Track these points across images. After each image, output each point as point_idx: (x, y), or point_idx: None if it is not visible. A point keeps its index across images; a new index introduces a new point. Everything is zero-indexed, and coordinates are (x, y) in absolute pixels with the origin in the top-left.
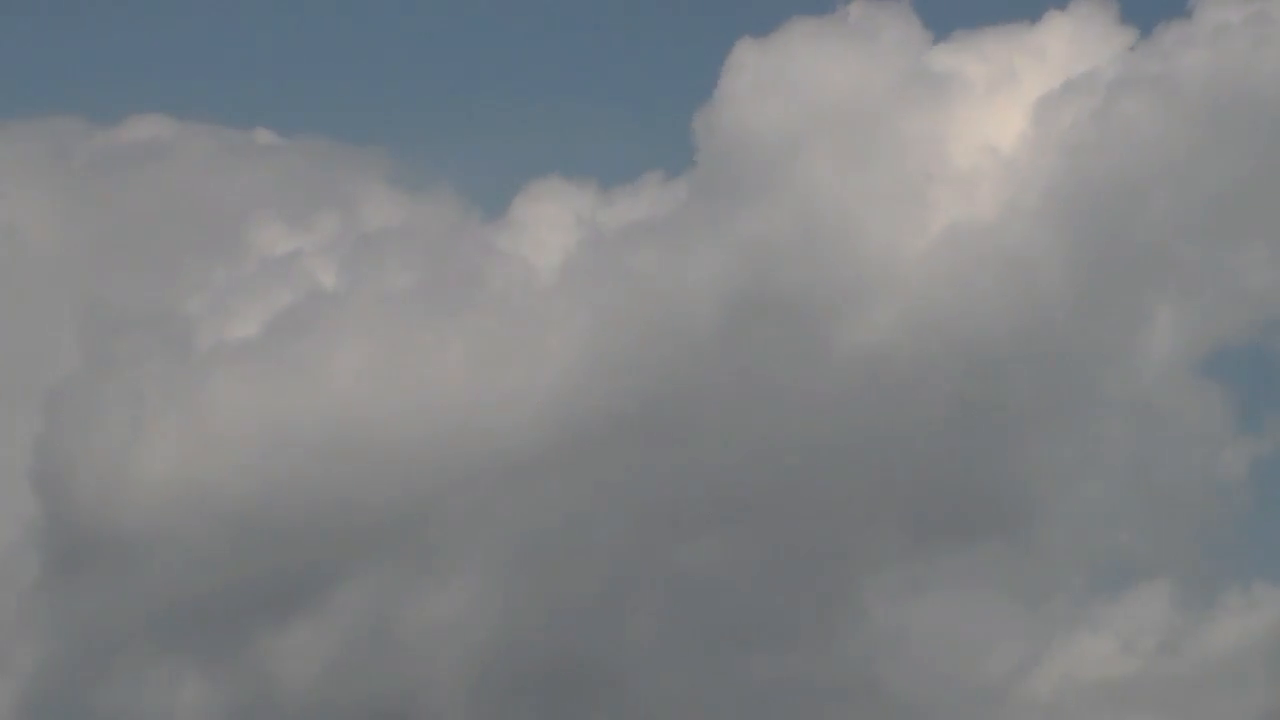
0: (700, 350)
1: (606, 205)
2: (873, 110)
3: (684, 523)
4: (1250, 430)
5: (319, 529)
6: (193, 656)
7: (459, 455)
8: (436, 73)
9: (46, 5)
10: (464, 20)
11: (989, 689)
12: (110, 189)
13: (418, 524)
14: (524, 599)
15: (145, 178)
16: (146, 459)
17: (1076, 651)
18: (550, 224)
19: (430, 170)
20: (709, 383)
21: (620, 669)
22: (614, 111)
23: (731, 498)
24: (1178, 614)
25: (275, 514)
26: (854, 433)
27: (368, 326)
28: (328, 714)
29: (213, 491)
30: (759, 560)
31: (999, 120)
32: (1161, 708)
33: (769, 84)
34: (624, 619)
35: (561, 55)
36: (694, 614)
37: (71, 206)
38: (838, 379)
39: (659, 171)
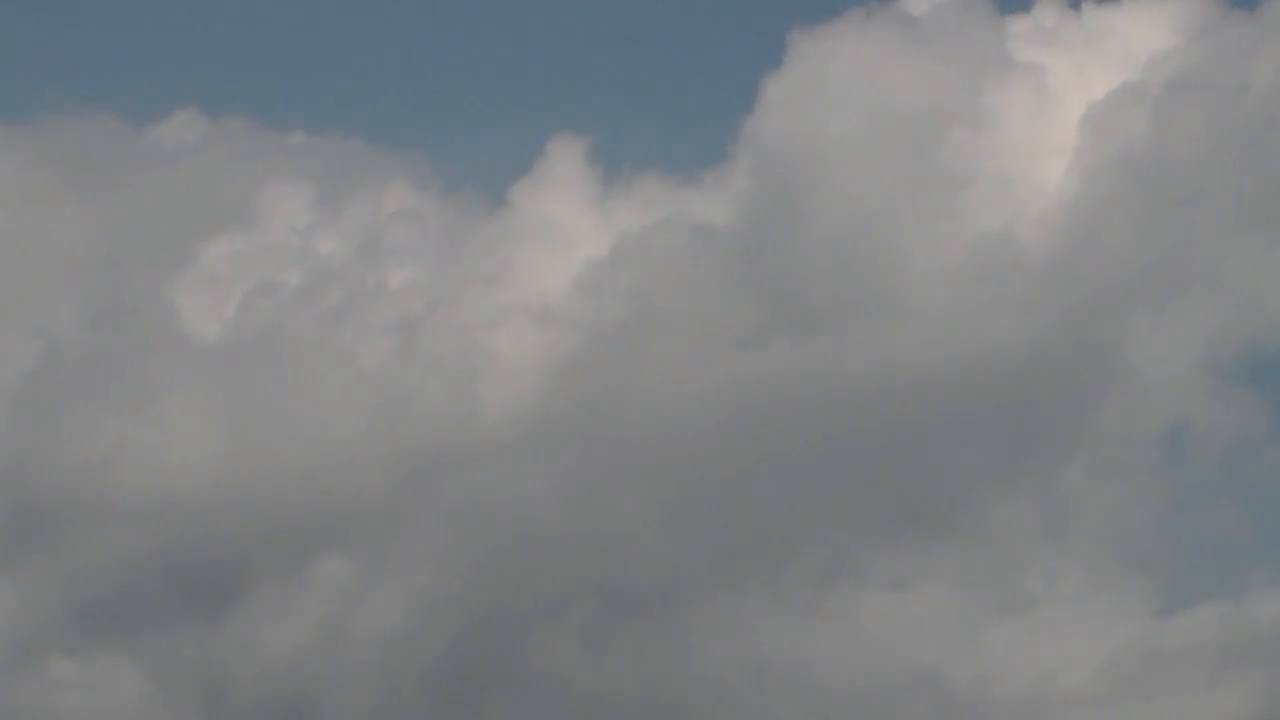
0: (717, 350)
1: (636, 205)
2: (920, 112)
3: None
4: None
5: (250, 527)
6: (111, 650)
7: (417, 455)
8: (468, 76)
9: (84, 6)
10: (492, 24)
11: (929, 680)
12: (136, 186)
13: (360, 522)
14: (450, 600)
15: (173, 175)
16: (99, 448)
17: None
18: (575, 221)
19: (455, 170)
20: (715, 383)
21: (543, 661)
22: (647, 110)
23: (680, 497)
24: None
25: (213, 511)
26: (837, 434)
27: (359, 320)
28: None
29: (155, 483)
30: (702, 558)
31: (1047, 126)
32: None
33: (817, 81)
34: (547, 609)
35: (592, 55)
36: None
37: (95, 203)
38: (847, 381)
39: (691, 170)
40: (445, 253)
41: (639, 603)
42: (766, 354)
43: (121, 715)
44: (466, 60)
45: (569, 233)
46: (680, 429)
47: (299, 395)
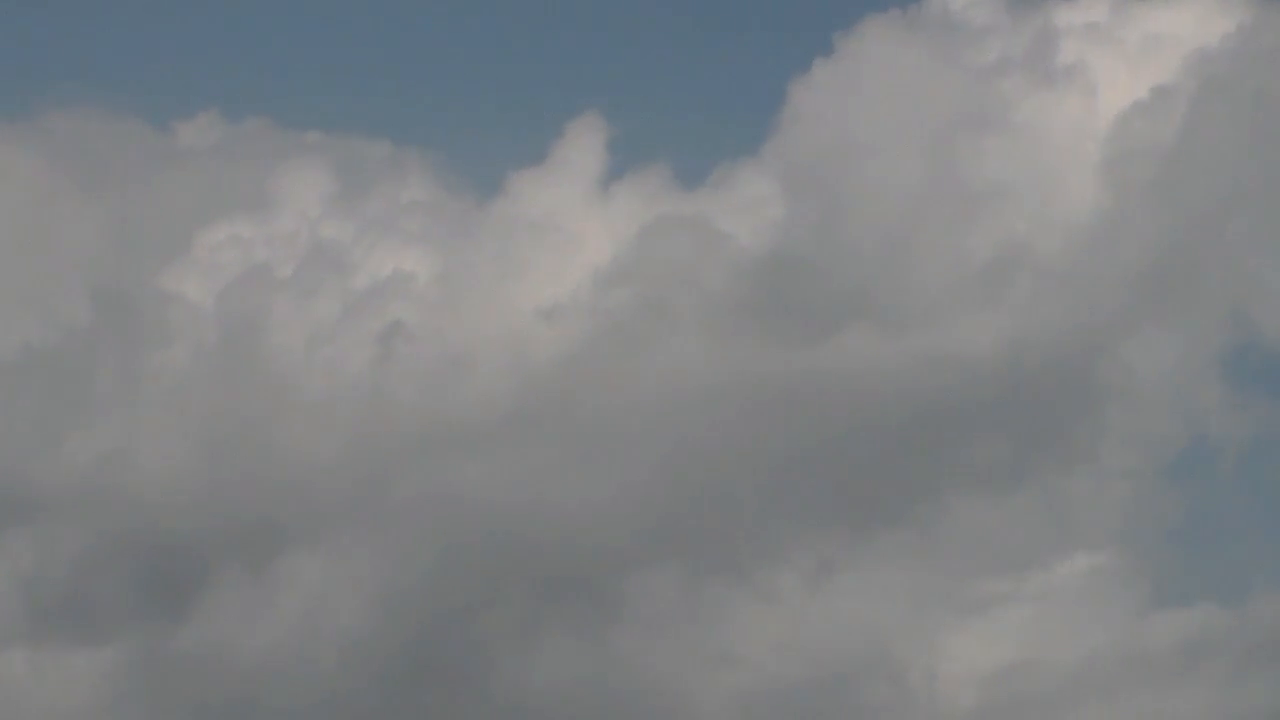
0: (718, 353)
1: (649, 202)
2: (950, 116)
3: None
4: None
5: (215, 523)
6: (69, 646)
7: (393, 453)
8: (485, 72)
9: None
10: (507, 21)
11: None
12: (151, 183)
13: (329, 520)
14: (415, 596)
15: (186, 172)
16: (62, 439)
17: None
18: (580, 218)
19: (468, 167)
20: (714, 384)
21: (505, 656)
22: (669, 107)
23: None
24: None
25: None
26: (831, 435)
27: (348, 317)
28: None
29: (119, 476)
30: (676, 552)
31: (1077, 133)
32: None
33: (849, 82)
34: (509, 605)
35: (615, 49)
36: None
37: (110, 199)
38: (849, 382)
39: (710, 168)
40: (443, 250)
41: (603, 596)
42: (769, 356)
43: (79, 712)
44: (484, 56)
45: (576, 229)
46: (665, 428)
47: (278, 393)
